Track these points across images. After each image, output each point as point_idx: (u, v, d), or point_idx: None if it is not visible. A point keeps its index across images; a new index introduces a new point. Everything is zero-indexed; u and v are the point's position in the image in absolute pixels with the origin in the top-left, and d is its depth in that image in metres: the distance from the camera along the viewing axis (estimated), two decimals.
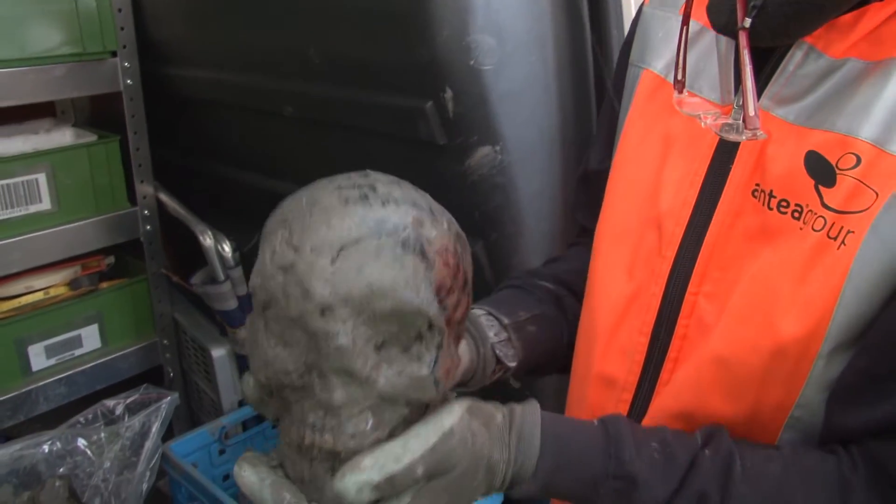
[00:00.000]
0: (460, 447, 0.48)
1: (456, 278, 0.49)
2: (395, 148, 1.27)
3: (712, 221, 0.58)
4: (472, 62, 1.02)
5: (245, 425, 1.72)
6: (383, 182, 0.50)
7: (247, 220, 1.60)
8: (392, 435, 0.50)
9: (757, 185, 0.56)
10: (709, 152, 0.60)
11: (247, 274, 1.67)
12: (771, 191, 0.55)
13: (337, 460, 0.49)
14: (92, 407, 1.42)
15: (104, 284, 1.60)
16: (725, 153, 0.59)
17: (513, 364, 0.67)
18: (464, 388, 0.66)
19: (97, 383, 1.60)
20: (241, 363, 1.76)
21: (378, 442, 0.49)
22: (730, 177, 0.58)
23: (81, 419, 1.39)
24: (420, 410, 0.50)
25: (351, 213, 0.47)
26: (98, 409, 1.42)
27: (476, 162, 1.15)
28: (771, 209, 0.55)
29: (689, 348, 0.59)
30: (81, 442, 1.34)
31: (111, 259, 1.60)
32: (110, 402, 1.43)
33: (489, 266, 1.22)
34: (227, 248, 1.60)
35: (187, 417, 1.91)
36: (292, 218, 0.48)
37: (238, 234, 1.69)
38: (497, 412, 0.53)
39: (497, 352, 0.67)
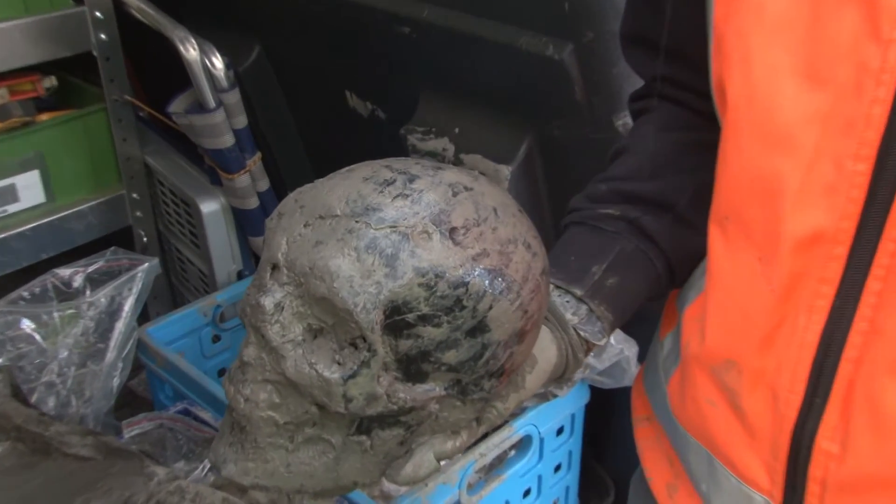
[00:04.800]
0: None
1: (450, 317, 0.56)
2: None
3: None
4: None
5: None
6: (427, 177, 0.58)
7: (243, 29, 1.73)
8: (294, 432, 0.60)
9: None
10: None
11: (245, 98, 1.63)
12: None
13: (231, 414, 0.61)
14: (39, 278, 1.38)
15: (44, 116, 1.57)
16: None
17: (602, 342, 0.72)
18: (559, 381, 0.73)
19: (43, 250, 1.60)
20: (242, 220, 1.74)
21: (274, 424, 0.59)
22: None
23: (25, 293, 1.36)
24: (335, 426, 0.60)
25: (357, 188, 0.56)
26: (48, 281, 1.38)
27: None
28: None
29: None
30: (27, 324, 1.31)
31: (52, 81, 1.56)
32: (64, 272, 1.39)
33: (580, 78, 1.20)
34: (217, 63, 1.54)
35: (168, 296, 1.92)
36: (328, 175, 0.59)
37: (231, 48, 1.64)
38: None
39: (581, 333, 0.71)
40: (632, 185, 0.78)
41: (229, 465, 0.62)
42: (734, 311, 0.65)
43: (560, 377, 0.72)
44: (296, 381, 0.58)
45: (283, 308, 0.57)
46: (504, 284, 0.57)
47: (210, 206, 1.70)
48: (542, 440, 1.38)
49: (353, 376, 0.57)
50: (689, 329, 0.71)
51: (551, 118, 1.28)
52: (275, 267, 0.58)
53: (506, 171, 1.30)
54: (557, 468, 1.47)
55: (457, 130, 1.39)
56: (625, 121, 1.20)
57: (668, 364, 0.77)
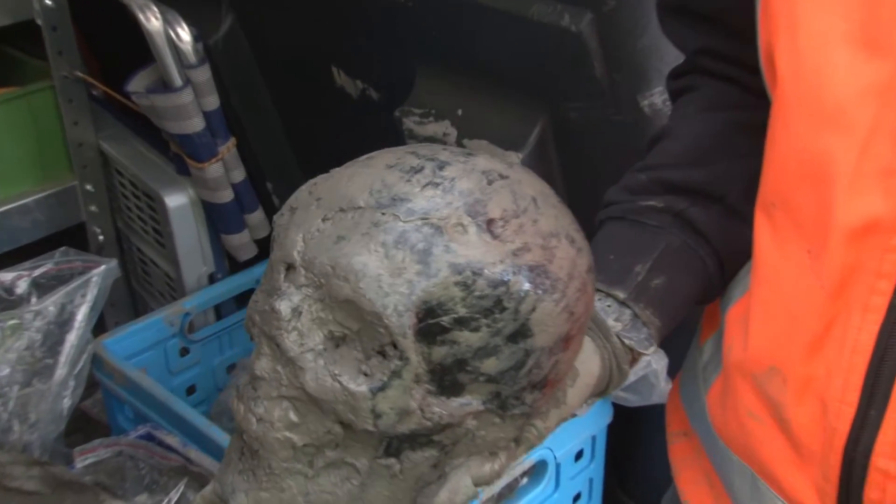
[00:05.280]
0: None
1: (490, 320, 0.56)
2: None
3: None
4: None
5: (219, 311, 1.71)
6: (458, 163, 0.59)
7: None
8: (314, 456, 0.61)
9: None
10: None
11: (216, 75, 1.61)
12: None
13: (241, 437, 0.62)
14: None
15: None
16: None
17: (649, 351, 0.73)
18: (602, 396, 0.74)
19: None
20: (213, 216, 1.72)
21: (291, 446, 0.60)
22: None
23: None
24: (357, 449, 0.60)
25: (382, 177, 0.58)
26: None
27: None
28: None
29: None
30: None
31: None
32: (6, 276, 1.38)
33: (601, 52, 1.17)
34: (184, 34, 1.50)
35: (128, 303, 1.91)
36: (344, 165, 0.62)
37: (200, 18, 1.62)
38: None
39: (626, 341, 0.72)
40: (676, 173, 0.78)
41: (239, 495, 0.62)
42: (780, 310, 0.65)
43: (603, 392, 0.71)
44: (317, 395, 0.58)
45: (301, 313, 0.58)
46: (548, 283, 0.57)
47: (177, 200, 1.66)
48: (558, 466, 1.34)
49: (382, 388, 0.57)
50: (732, 332, 0.72)
51: (567, 98, 1.23)
52: (290, 267, 0.58)
53: (515, 158, 1.26)
54: (576, 498, 1.42)
55: (459, 113, 1.35)
56: (651, 101, 1.16)
57: (709, 372, 0.77)
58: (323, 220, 0.58)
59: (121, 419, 1.44)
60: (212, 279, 1.74)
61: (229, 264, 1.78)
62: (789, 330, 0.64)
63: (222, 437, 1.27)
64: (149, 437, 1.28)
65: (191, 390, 1.62)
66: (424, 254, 0.55)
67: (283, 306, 0.58)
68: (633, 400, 1.29)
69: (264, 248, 1.74)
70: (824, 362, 0.63)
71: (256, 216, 1.74)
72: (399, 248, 0.55)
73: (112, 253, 1.76)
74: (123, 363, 1.42)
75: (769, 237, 0.67)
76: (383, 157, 0.59)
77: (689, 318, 0.80)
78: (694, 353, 0.82)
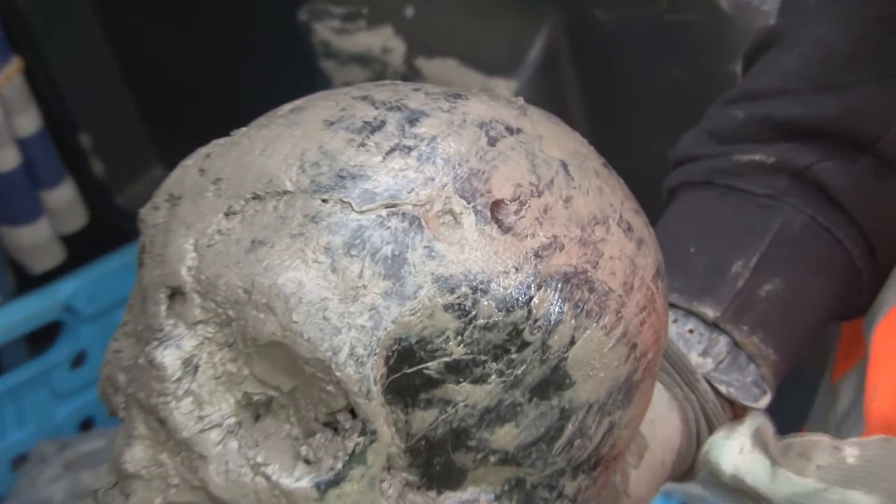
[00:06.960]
0: None
1: (503, 364, 0.51)
2: None
3: None
4: None
5: (1, 360, 1.68)
6: (440, 112, 0.53)
7: None
8: None
9: None
10: None
11: None
12: None
13: None
14: None
15: None
16: None
17: (762, 402, 0.67)
18: (683, 481, 0.70)
19: None
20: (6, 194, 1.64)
21: None
22: None
23: None
24: None
25: (318, 140, 0.52)
26: None
27: None
28: None
29: None
30: None
31: None
32: None
33: None
34: None
35: None
36: (253, 124, 0.57)
37: None
38: None
39: (722, 388, 0.66)
40: (794, 104, 0.71)
41: None
42: None
43: (686, 474, 0.66)
44: (229, 499, 0.50)
45: (197, 368, 0.51)
46: (593, 300, 0.51)
47: None
48: None
49: (335, 482, 0.50)
50: (880, 363, 0.67)
51: None
52: (175, 293, 0.52)
53: (505, 88, 1.20)
54: None
55: (408, 14, 1.33)
56: None
57: (848, 428, 0.73)
58: (227, 214, 0.50)
59: None
60: None
61: (15, 279, 1.68)
62: None
63: None
64: None
65: None
66: (395, 262, 0.49)
67: (168, 358, 0.50)
68: (711, 500, 1.26)
69: (78, 248, 1.54)
70: None
71: (62, 194, 1.65)
72: (353, 254, 0.49)
73: None
74: None
75: None
76: (318, 108, 0.52)
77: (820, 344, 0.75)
78: (823, 398, 0.79)
